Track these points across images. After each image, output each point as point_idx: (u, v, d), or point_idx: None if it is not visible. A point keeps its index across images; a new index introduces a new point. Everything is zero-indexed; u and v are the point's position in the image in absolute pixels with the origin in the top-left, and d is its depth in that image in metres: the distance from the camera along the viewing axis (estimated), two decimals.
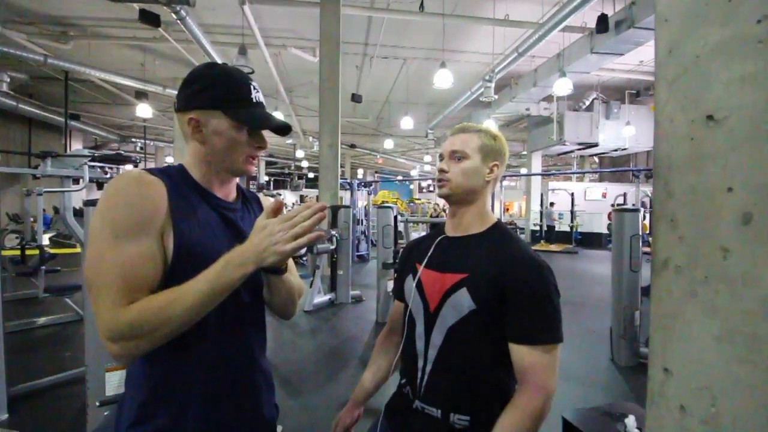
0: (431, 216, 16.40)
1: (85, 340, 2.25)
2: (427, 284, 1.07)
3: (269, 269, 0.87)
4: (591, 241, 14.41)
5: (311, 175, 27.09)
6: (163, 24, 6.83)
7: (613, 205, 10.88)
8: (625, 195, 13.58)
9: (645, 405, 0.66)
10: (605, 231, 13.85)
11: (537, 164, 15.93)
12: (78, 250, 9.30)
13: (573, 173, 18.21)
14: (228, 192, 0.96)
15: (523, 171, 19.76)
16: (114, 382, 2.09)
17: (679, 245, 0.58)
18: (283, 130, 0.94)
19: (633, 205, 10.82)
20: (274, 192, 18.77)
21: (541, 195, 15.13)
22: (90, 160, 4.35)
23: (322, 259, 6.06)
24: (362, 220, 11.55)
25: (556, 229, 14.21)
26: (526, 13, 7.85)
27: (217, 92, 0.86)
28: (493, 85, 9.03)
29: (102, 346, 0.76)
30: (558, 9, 6.83)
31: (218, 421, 0.87)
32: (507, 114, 14.12)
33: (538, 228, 14.82)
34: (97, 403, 2.01)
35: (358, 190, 11.29)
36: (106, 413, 1.99)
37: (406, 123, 11.48)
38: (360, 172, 28.93)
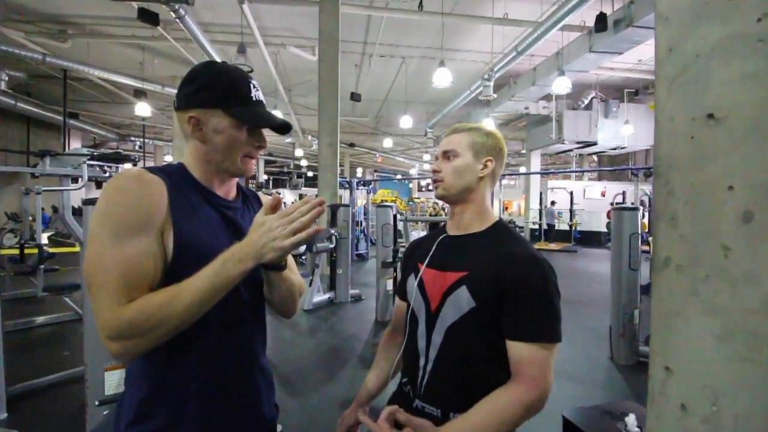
0: (430, 215, 16.39)
1: (84, 339, 2.25)
2: (429, 283, 1.07)
3: (269, 266, 0.87)
4: (590, 239, 14.44)
5: (310, 174, 27.07)
6: (162, 22, 6.82)
7: (612, 204, 10.90)
8: (624, 193, 13.60)
9: (645, 403, 0.66)
10: (604, 229, 13.88)
11: (536, 163, 15.95)
12: (77, 248, 9.28)
13: (572, 172, 18.22)
14: (228, 190, 0.96)
15: (522, 170, 19.78)
16: (113, 381, 2.09)
17: (679, 244, 0.58)
18: (283, 128, 0.93)
19: (632, 203, 10.83)
20: (273, 191, 18.75)
21: (540, 194, 15.15)
22: (89, 159, 4.33)
23: (322, 258, 6.06)
24: (361, 222, 11.56)
25: (556, 227, 14.22)
26: (525, 11, 7.85)
27: (217, 91, 0.86)
28: (492, 83, 9.02)
29: (101, 346, 0.76)
30: (557, 8, 6.84)
31: (218, 420, 0.87)
32: (506, 113, 14.12)
33: (537, 227, 14.84)
34: (96, 402, 2.01)
35: (357, 189, 11.29)
36: (105, 412, 2.00)
37: (405, 122, 11.48)
38: (359, 170, 28.93)
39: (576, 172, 18.29)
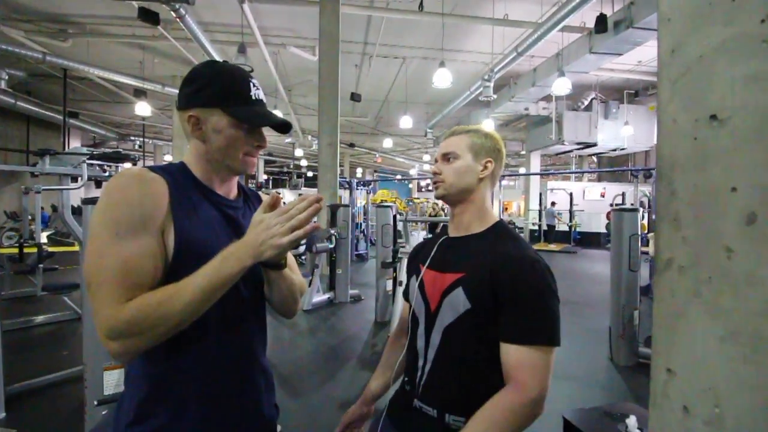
0: (430, 215, 16.39)
1: (83, 338, 2.24)
2: (428, 284, 1.08)
3: (269, 264, 0.87)
4: (590, 240, 14.44)
5: (310, 174, 27.07)
6: (163, 22, 6.82)
7: (611, 205, 10.91)
8: (623, 195, 13.61)
9: (645, 405, 0.66)
10: (604, 230, 13.88)
11: (536, 164, 15.97)
12: (76, 248, 9.27)
13: (572, 173, 18.23)
14: (229, 189, 0.96)
15: (522, 170, 19.79)
16: (112, 381, 2.09)
17: (682, 245, 0.58)
18: (283, 127, 0.93)
19: (631, 204, 10.83)
20: (273, 190, 18.73)
21: (540, 194, 15.15)
22: (88, 158, 4.33)
23: (321, 258, 6.06)
24: (360, 224, 11.57)
25: (556, 228, 14.23)
26: (525, 12, 7.86)
27: (217, 90, 0.86)
28: (492, 84, 9.03)
29: (100, 345, 0.76)
30: (557, 9, 6.84)
31: (218, 420, 0.87)
32: (506, 113, 14.13)
33: (537, 227, 14.84)
34: (95, 402, 2.00)
35: (357, 189, 11.29)
36: (104, 412, 1.99)
37: (405, 122, 11.49)
38: (359, 171, 28.92)
39: (576, 173, 18.30)
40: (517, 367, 0.91)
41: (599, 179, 18.37)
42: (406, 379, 1.12)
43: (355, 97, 10.24)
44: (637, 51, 8.23)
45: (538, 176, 16.24)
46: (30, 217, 6.64)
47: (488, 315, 0.96)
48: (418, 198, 26.86)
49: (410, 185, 32.16)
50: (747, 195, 0.50)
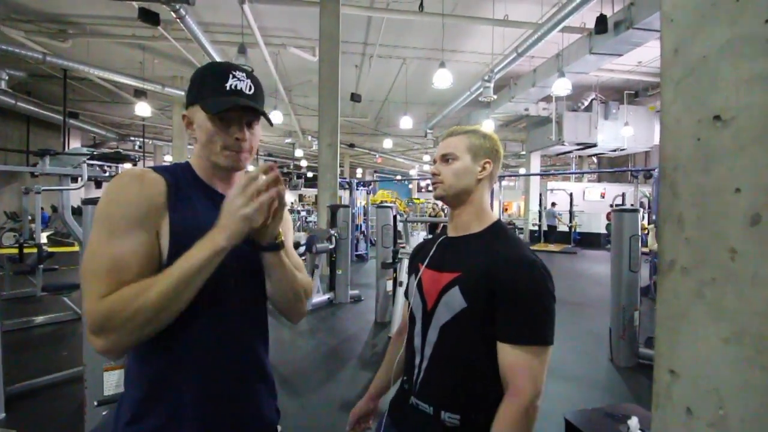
0: (430, 215, 16.39)
1: (83, 339, 2.24)
2: (426, 283, 1.09)
3: (262, 246, 0.86)
4: (590, 241, 14.42)
5: (310, 174, 27.03)
6: (163, 22, 6.82)
7: (611, 206, 10.90)
8: (623, 195, 13.60)
9: (645, 405, 0.66)
10: (604, 231, 13.87)
11: (536, 164, 15.97)
12: (76, 248, 9.27)
13: (572, 173, 18.22)
14: (232, 185, 0.95)
15: (522, 171, 19.78)
16: (112, 381, 2.09)
17: (685, 246, 0.58)
18: (252, 111, 0.88)
19: (632, 205, 10.83)
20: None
21: (540, 195, 15.15)
22: (88, 159, 4.34)
23: (321, 259, 6.06)
24: (360, 225, 11.56)
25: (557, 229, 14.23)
26: (526, 13, 7.86)
27: (197, 87, 0.88)
28: (492, 85, 9.03)
29: None
30: (557, 9, 6.84)
31: (216, 423, 0.86)
32: (506, 114, 14.13)
33: (537, 228, 14.83)
34: (95, 403, 2.00)
35: (357, 189, 11.29)
36: (104, 413, 1.99)
37: (405, 123, 11.48)
38: (359, 171, 28.91)
39: (576, 173, 18.30)
40: (513, 370, 0.92)
41: (599, 180, 18.37)
42: (404, 377, 1.14)
43: (355, 98, 10.24)
44: (637, 51, 8.24)
45: (538, 177, 16.24)
46: (30, 218, 6.64)
47: (484, 314, 0.97)
48: (418, 198, 26.86)
49: (410, 186, 32.16)
50: (751, 196, 0.50)
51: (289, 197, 22.29)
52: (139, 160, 12.40)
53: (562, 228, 14.39)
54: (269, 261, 0.89)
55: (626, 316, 3.84)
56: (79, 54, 9.41)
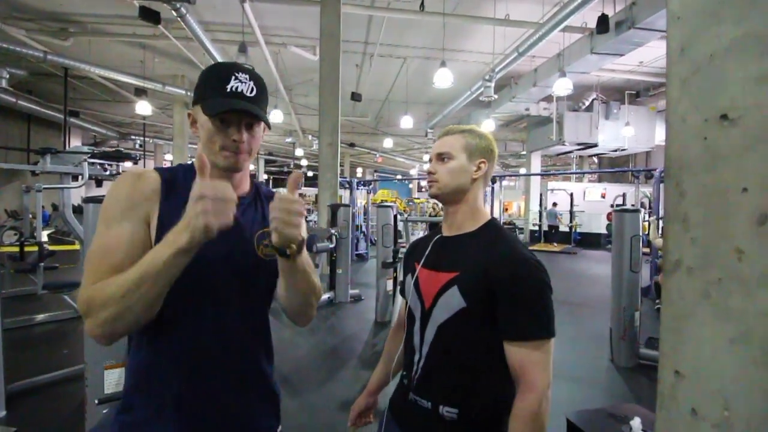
0: (430, 215, 16.39)
1: (84, 337, 2.24)
2: (423, 283, 1.10)
3: (280, 252, 0.82)
4: (590, 241, 14.41)
5: (310, 173, 27.04)
6: (163, 21, 6.81)
7: (612, 206, 10.90)
8: (624, 195, 13.59)
9: (646, 406, 0.65)
10: (604, 231, 13.86)
11: (536, 164, 15.95)
12: (77, 247, 9.28)
13: (572, 173, 18.21)
14: (234, 187, 0.94)
15: (523, 171, 19.77)
16: (112, 379, 2.09)
17: (691, 246, 0.58)
18: (250, 114, 0.87)
19: (632, 205, 10.82)
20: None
21: (540, 195, 15.14)
22: (89, 157, 4.33)
23: (321, 258, 6.05)
24: (360, 225, 11.56)
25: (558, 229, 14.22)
26: (527, 13, 7.84)
27: (201, 87, 0.89)
28: (492, 84, 9.02)
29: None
30: (558, 9, 6.83)
31: (199, 423, 0.86)
32: (507, 114, 14.12)
33: (537, 228, 14.82)
34: (96, 401, 2.00)
35: (358, 189, 11.28)
36: (104, 411, 1.98)
37: (406, 122, 11.47)
38: (359, 171, 28.90)
39: (576, 173, 18.28)
40: (524, 366, 0.94)
41: (600, 180, 18.36)
42: (404, 373, 1.16)
43: (355, 97, 10.23)
44: (638, 51, 8.22)
45: (539, 177, 16.23)
46: (31, 216, 6.64)
47: (483, 313, 0.99)
48: (418, 198, 26.86)
49: (410, 185, 32.15)
50: (758, 195, 0.50)
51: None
52: (139, 159, 12.41)
53: (563, 228, 14.38)
54: (280, 266, 0.88)
55: (627, 317, 3.84)
56: (79, 52, 9.40)
